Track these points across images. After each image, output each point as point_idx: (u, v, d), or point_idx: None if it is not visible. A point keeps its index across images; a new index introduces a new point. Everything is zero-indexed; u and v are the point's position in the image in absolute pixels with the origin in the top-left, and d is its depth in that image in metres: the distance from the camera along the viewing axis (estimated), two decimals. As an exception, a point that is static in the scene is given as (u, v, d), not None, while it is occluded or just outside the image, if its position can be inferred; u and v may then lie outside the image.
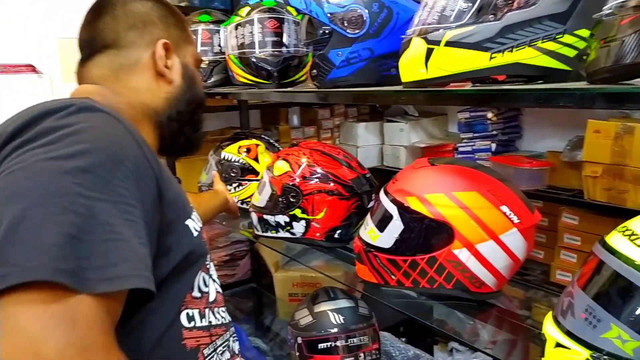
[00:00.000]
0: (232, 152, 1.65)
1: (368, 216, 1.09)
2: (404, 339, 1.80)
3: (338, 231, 1.28)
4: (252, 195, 1.45)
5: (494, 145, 2.09)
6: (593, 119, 1.66)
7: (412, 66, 0.82)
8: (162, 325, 0.68)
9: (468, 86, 0.83)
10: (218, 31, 1.67)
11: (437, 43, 0.77)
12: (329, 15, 1.03)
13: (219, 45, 1.67)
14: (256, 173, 1.62)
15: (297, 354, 1.43)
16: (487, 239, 0.93)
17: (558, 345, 0.71)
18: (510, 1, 0.73)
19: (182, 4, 2.08)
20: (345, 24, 1.03)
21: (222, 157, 1.65)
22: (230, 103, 2.23)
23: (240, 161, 1.63)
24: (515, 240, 0.94)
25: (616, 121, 1.61)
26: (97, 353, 0.51)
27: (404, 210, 0.98)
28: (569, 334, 0.70)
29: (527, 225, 0.95)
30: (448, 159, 1.15)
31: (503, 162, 1.91)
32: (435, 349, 2.04)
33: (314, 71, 1.09)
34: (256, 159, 1.64)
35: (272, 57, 1.40)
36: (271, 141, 1.74)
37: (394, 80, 0.99)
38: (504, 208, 0.93)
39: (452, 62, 0.76)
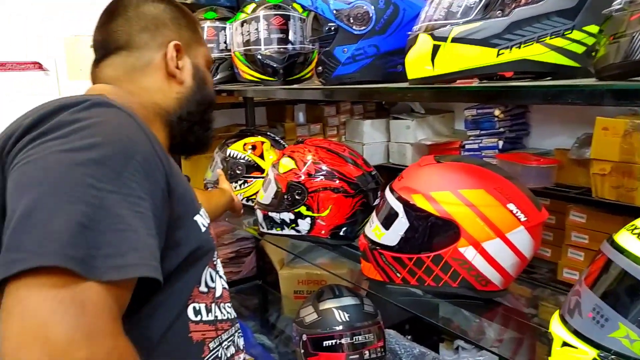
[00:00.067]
0: (238, 150, 1.65)
1: (373, 214, 1.09)
2: (409, 337, 1.80)
3: (343, 229, 1.27)
4: (257, 192, 1.45)
5: (501, 143, 2.08)
6: (601, 116, 1.65)
7: (418, 63, 0.81)
8: (170, 318, 0.69)
9: (475, 83, 0.82)
10: (224, 28, 1.67)
11: (444, 39, 0.76)
12: (334, 11, 1.03)
13: (225, 43, 1.67)
14: (261, 170, 1.62)
15: (302, 351, 1.43)
16: (494, 237, 0.92)
17: (565, 344, 0.70)
18: (518, -3, 0.72)
19: (188, 1, 2.08)
20: (351, 21, 1.02)
21: (227, 154, 1.65)
22: (236, 100, 2.22)
23: (246, 158, 1.63)
24: (522, 238, 0.94)
25: (625, 118, 1.59)
26: (103, 338, 0.52)
27: (409, 208, 0.98)
28: (576, 333, 0.69)
29: (534, 224, 0.94)
30: (454, 157, 1.14)
31: (510, 160, 1.90)
32: (441, 346, 2.04)
33: (320, 68, 1.08)
34: (261, 156, 1.64)
35: (277, 54, 1.40)
36: (277, 138, 1.74)
37: (400, 77, 0.99)
38: (511, 206, 0.93)
39: (459, 58, 0.76)
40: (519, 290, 1.08)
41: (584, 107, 1.78)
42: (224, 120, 2.37)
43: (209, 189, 1.67)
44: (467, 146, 2.19)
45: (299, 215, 1.27)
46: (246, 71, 1.47)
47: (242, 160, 1.63)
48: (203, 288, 0.75)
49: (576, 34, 0.72)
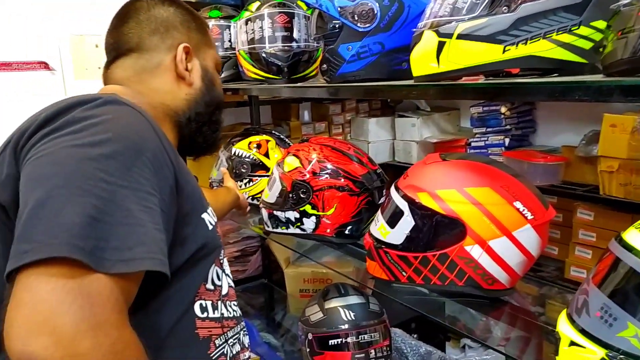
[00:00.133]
0: (243, 148, 1.65)
1: (379, 212, 1.08)
2: (415, 336, 1.79)
3: (349, 227, 1.27)
4: (262, 191, 1.45)
5: (507, 140, 2.07)
6: (609, 112, 1.63)
7: (423, 60, 0.81)
8: (177, 314, 0.71)
9: (481, 80, 0.81)
10: (228, 26, 1.67)
11: (449, 36, 0.76)
12: (339, 9, 1.02)
13: (229, 41, 1.67)
14: (266, 169, 1.62)
15: (308, 350, 1.43)
16: (500, 235, 0.92)
17: (572, 343, 0.69)
18: (524, -8, 0.71)
19: (193, 0, 2.08)
20: (356, 18, 1.02)
21: (232, 152, 1.65)
22: (241, 99, 2.23)
23: (251, 157, 1.63)
24: (528, 236, 0.93)
25: (633, 115, 1.58)
26: (109, 329, 0.53)
27: (415, 206, 0.97)
28: (584, 332, 0.68)
29: (541, 222, 0.94)
30: (460, 154, 1.13)
31: (517, 157, 1.89)
32: (448, 345, 2.03)
33: (324, 66, 1.08)
34: (267, 155, 1.64)
35: (282, 52, 1.40)
36: (282, 137, 1.74)
37: (405, 75, 0.98)
38: (518, 204, 0.92)
39: (464, 55, 0.75)
40: (525, 288, 1.07)
41: (591, 103, 1.78)
42: (229, 118, 2.37)
43: (214, 187, 1.67)
44: (473, 144, 2.18)
45: (304, 214, 1.27)
46: (251, 69, 1.47)
47: (247, 159, 1.63)
48: (209, 285, 0.76)
49: (583, 30, 0.71)
